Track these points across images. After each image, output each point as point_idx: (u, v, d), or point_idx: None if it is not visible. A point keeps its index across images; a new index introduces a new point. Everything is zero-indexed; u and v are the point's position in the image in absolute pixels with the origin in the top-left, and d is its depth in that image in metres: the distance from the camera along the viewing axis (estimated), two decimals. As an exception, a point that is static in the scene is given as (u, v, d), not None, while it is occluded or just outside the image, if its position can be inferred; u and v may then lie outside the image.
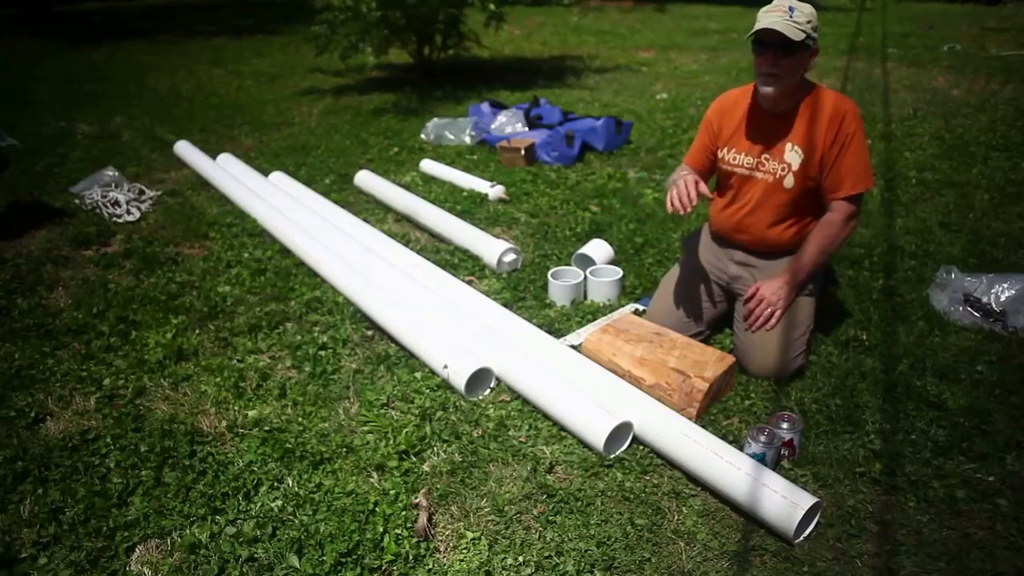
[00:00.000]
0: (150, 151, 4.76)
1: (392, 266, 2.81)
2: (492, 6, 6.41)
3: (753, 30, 2.01)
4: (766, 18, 2.00)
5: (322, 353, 2.39)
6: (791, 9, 1.99)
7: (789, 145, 2.13)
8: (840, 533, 1.64)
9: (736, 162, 2.25)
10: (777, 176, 2.16)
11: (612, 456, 1.89)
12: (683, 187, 2.06)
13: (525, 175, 4.08)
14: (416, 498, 1.75)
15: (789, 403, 2.08)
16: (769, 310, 2.14)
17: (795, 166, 2.12)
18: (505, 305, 2.59)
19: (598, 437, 1.87)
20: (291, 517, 1.70)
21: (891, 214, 3.44)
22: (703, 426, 1.93)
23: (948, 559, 1.56)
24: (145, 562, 1.60)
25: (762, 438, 1.78)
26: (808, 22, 2.00)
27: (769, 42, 2.00)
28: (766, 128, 2.17)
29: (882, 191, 3.74)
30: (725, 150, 2.28)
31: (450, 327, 2.39)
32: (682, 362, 2.08)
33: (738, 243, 2.33)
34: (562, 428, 2.00)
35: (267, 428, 2.02)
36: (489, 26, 6.64)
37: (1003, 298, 2.44)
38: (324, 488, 1.79)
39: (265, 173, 4.02)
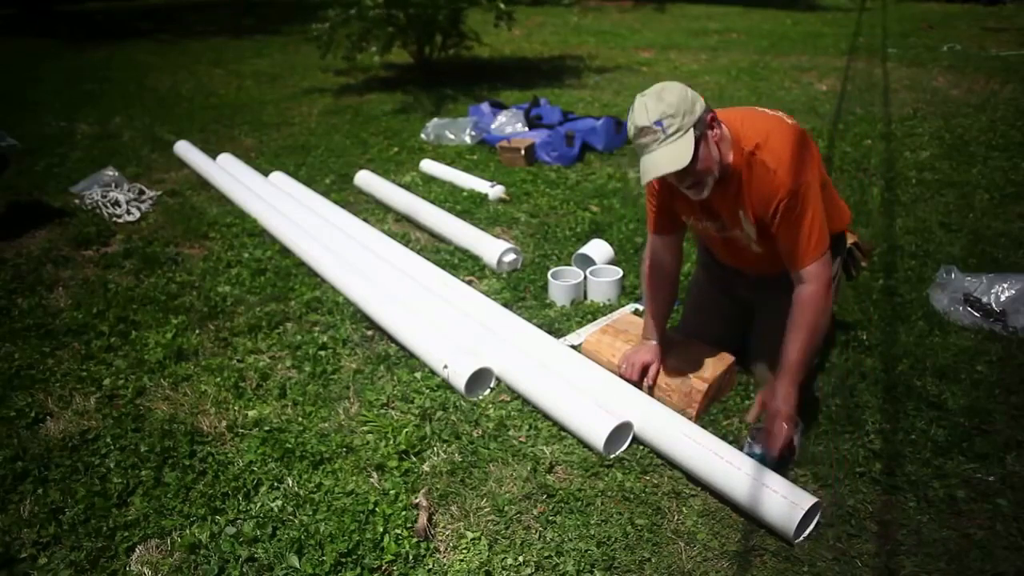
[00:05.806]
0: (150, 151, 4.76)
1: (392, 266, 2.81)
2: (501, 5, 6.42)
3: (641, 178, 1.68)
4: (645, 157, 1.66)
5: (322, 353, 2.39)
6: (659, 124, 1.58)
7: (742, 214, 1.85)
8: (840, 533, 1.64)
9: (701, 228, 2.04)
10: (744, 240, 1.96)
11: (612, 456, 1.89)
12: (627, 373, 2.11)
13: (525, 175, 4.07)
14: (416, 498, 1.75)
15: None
16: (786, 426, 1.79)
17: (754, 235, 1.89)
18: (505, 305, 2.59)
19: (598, 437, 1.87)
20: (291, 517, 1.71)
21: (891, 214, 3.44)
22: (703, 426, 1.93)
23: (948, 559, 1.56)
24: (145, 562, 1.60)
25: (762, 438, 1.78)
26: (683, 116, 1.60)
27: None
28: (713, 201, 1.86)
29: (882, 191, 3.74)
30: (686, 218, 2.03)
31: (450, 327, 2.39)
32: (681, 362, 2.08)
33: (737, 270, 2.19)
34: (562, 428, 2.00)
35: (267, 428, 2.02)
36: (499, 26, 6.65)
37: (1003, 298, 2.44)
38: (324, 488, 1.79)
39: (265, 173, 4.02)
